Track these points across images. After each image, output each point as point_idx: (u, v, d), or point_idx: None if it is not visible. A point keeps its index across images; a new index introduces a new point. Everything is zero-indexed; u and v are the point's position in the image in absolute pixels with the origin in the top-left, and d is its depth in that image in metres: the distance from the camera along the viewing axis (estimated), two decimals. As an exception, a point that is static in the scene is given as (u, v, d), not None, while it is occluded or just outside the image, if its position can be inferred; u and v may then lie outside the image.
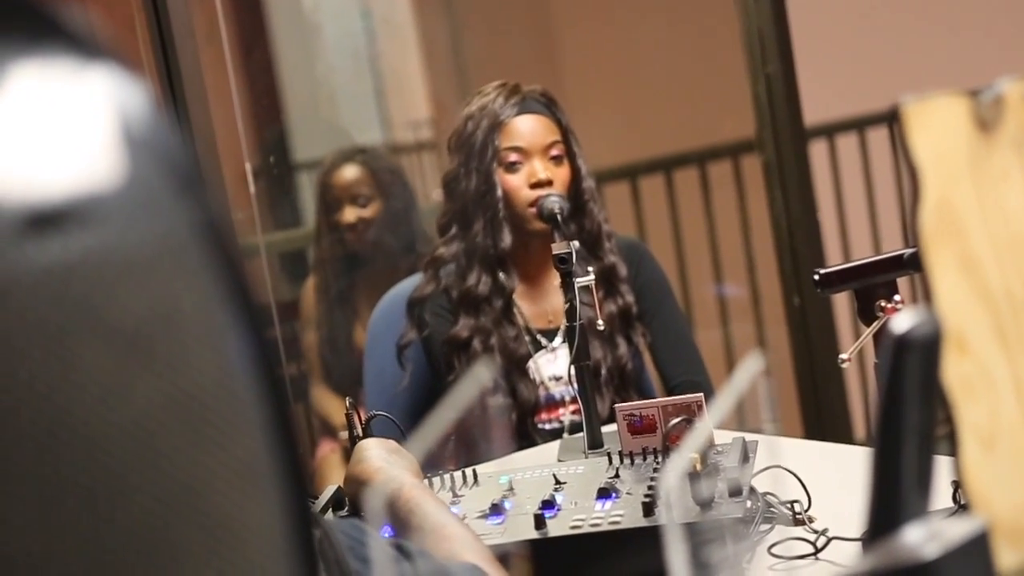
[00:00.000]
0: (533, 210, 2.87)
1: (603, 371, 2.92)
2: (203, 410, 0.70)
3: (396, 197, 4.30)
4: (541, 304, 3.04)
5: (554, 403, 2.98)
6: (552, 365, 2.99)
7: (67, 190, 0.66)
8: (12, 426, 0.64)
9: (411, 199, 4.40)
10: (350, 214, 4.20)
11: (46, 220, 0.65)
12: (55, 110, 0.68)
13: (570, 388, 2.96)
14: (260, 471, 0.73)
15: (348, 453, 2.31)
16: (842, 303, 4.51)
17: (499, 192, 2.91)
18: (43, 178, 0.67)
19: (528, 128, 2.94)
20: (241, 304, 0.73)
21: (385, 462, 1.94)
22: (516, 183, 2.91)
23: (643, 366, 3.14)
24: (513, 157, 2.92)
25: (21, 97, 0.68)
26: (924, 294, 1.00)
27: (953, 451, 1.02)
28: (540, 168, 2.91)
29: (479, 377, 1.05)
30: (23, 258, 0.65)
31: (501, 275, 2.94)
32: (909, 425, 0.94)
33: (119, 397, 0.67)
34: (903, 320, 0.92)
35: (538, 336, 3.00)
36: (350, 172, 4.24)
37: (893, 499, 0.96)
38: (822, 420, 4.24)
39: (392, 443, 2.03)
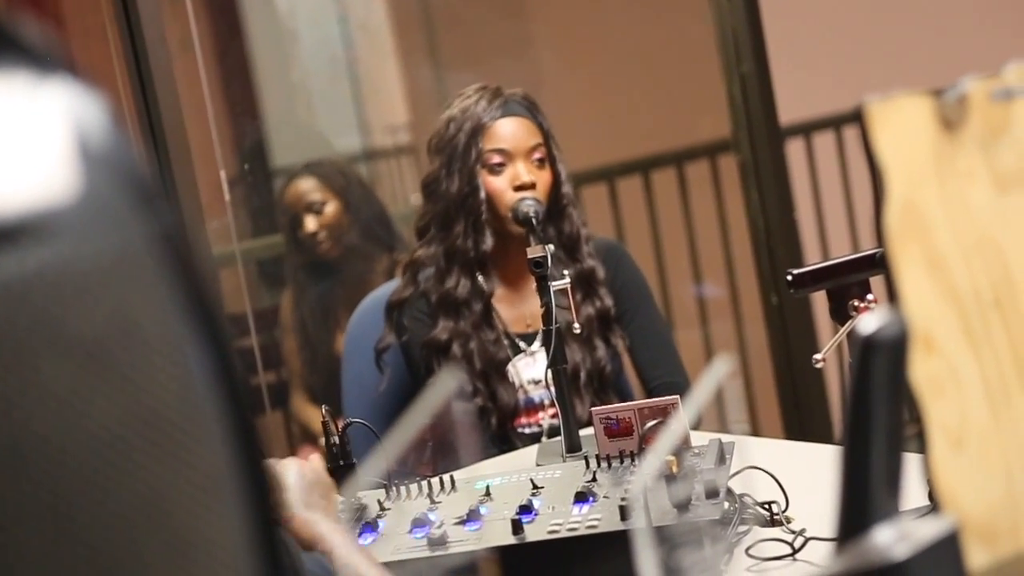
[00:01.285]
0: (515, 213, 2.87)
1: (582, 374, 2.91)
2: (164, 423, 0.70)
3: (354, 199, 4.31)
4: (519, 308, 3.03)
5: (533, 407, 2.98)
6: (531, 369, 2.99)
7: (22, 205, 0.66)
8: (-31, 443, 0.64)
9: (373, 200, 4.42)
10: (310, 223, 4.24)
11: (1, 235, 0.65)
12: (10, 124, 0.68)
13: (549, 392, 2.96)
14: (223, 484, 0.73)
15: (326, 461, 2.30)
16: (820, 302, 4.52)
17: (482, 194, 2.90)
18: (-2, 193, 0.66)
19: (512, 131, 2.93)
20: (202, 316, 0.73)
21: (301, 503, 1.83)
22: (500, 185, 2.90)
23: (622, 368, 3.14)
24: (497, 159, 2.91)
25: (-25, 112, 0.68)
26: (896, 294, 1.00)
27: (923, 450, 1.02)
28: (524, 171, 2.90)
29: (449, 382, 1.05)
30: (-22, 274, 0.64)
31: (480, 278, 2.94)
32: (877, 425, 0.94)
33: (79, 411, 0.67)
34: (870, 320, 0.92)
35: (516, 340, 3.00)
36: (300, 184, 4.30)
37: (862, 499, 0.96)
38: (801, 419, 4.25)
39: (313, 469, 1.91)
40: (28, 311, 0.65)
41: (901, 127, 0.97)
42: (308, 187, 4.28)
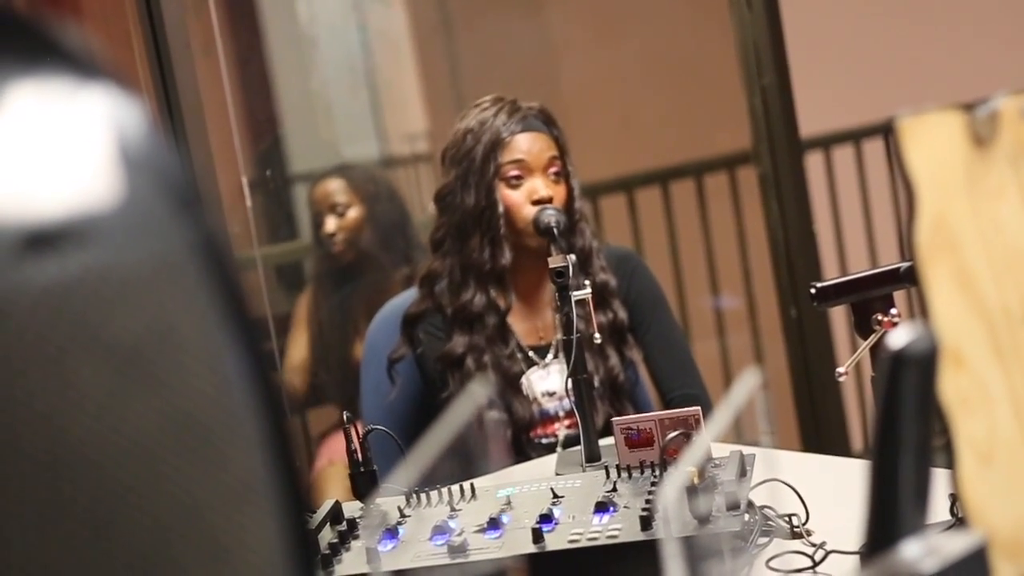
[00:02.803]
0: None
1: (595, 383, 2.91)
2: (200, 428, 0.70)
3: (380, 206, 4.33)
4: (532, 321, 3.03)
5: (548, 418, 2.98)
6: (544, 381, 2.98)
7: (64, 210, 0.66)
8: (11, 446, 0.65)
9: (401, 209, 4.43)
10: (330, 224, 4.26)
11: (44, 240, 0.66)
12: (52, 130, 0.68)
13: (563, 403, 2.95)
14: (258, 489, 0.73)
15: (347, 467, 2.31)
16: (839, 315, 4.52)
17: (500, 208, 2.90)
18: (40, 199, 0.67)
19: (530, 145, 2.93)
20: (238, 322, 0.73)
21: None
22: (517, 199, 2.90)
23: (638, 378, 3.13)
24: (515, 172, 2.91)
25: (18, 117, 0.68)
26: (921, 307, 1.00)
27: (951, 465, 1.02)
28: (541, 185, 2.90)
29: (476, 395, 1.05)
30: (21, 279, 0.65)
31: (496, 292, 2.93)
32: (906, 440, 0.94)
33: (117, 416, 0.67)
34: (900, 335, 0.93)
35: (530, 353, 3.00)
36: (328, 184, 4.34)
37: (891, 513, 0.96)
38: (819, 432, 4.24)
39: None
40: (68, 316, 0.66)
41: (933, 143, 0.97)
42: (335, 188, 4.31)
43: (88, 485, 0.66)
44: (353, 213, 4.28)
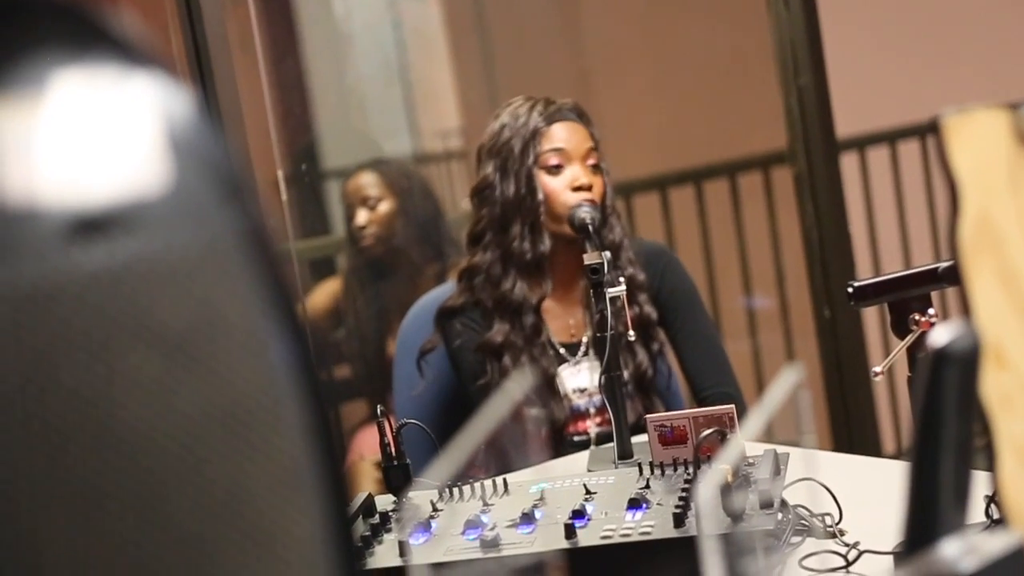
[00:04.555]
0: (571, 216, 2.87)
1: (624, 380, 2.91)
2: (245, 415, 0.70)
3: (412, 200, 4.34)
4: (564, 318, 3.03)
5: (579, 415, 2.98)
6: (575, 378, 2.98)
7: (113, 197, 0.67)
8: (58, 431, 0.65)
9: (433, 204, 4.44)
10: (361, 216, 4.27)
11: (92, 226, 0.66)
12: (101, 117, 0.69)
13: (593, 400, 2.95)
14: (302, 478, 0.73)
15: (379, 461, 2.31)
16: (872, 316, 4.50)
17: (540, 195, 2.90)
18: (89, 185, 0.67)
19: (569, 134, 2.94)
20: (282, 310, 0.73)
21: None
22: (558, 186, 2.90)
23: (671, 374, 3.13)
24: (555, 160, 2.91)
25: (68, 104, 0.68)
26: (956, 308, 1.00)
27: (990, 465, 1.02)
28: (581, 173, 2.90)
29: (514, 389, 1.05)
30: (69, 264, 0.65)
31: (535, 281, 2.93)
32: (947, 439, 0.94)
33: (163, 403, 0.67)
34: (942, 333, 0.92)
35: (561, 350, 3.00)
36: (361, 177, 4.34)
37: (930, 512, 0.96)
38: (851, 433, 4.23)
39: None
40: (117, 302, 0.66)
41: (977, 141, 0.96)
42: (368, 181, 4.31)
43: (133, 470, 0.67)
44: (384, 207, 4.28)
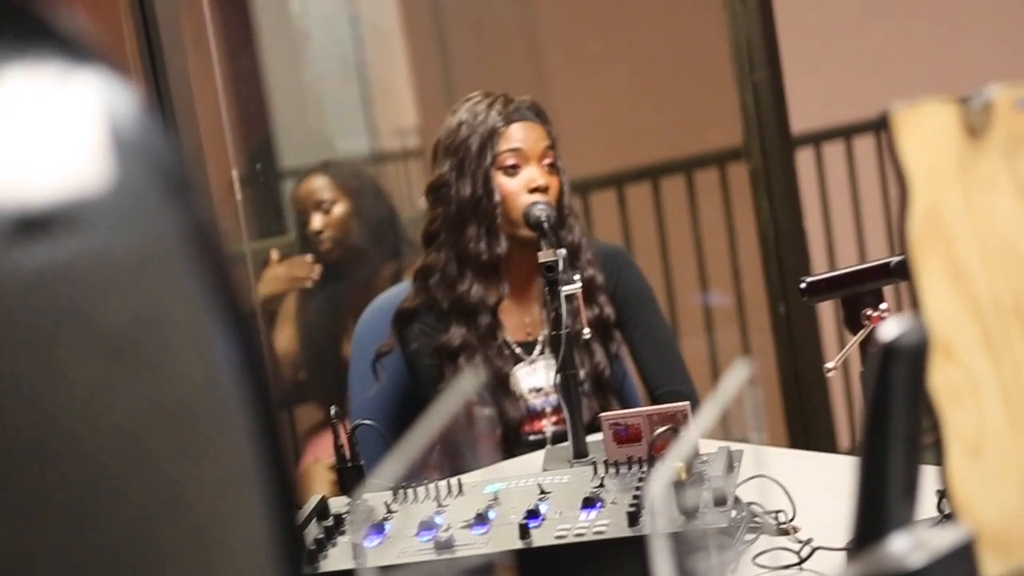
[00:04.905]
0: (528, 215, 2.86)
1: (581, 379, 2.91)
2: (190, 416, 0.70)
3: (366, 201, 4.32)
4: (520, 316, 3.03)
5: (535, 415, 2.97)
6: (531, 378, 2.98)
7: (56, 195, 0.66)
8: (-2, 431, 0.64)
9: (387, 203, 4.43)
10: (316, 221, 4.25)
11: (35, 225, 0.65)
12: (44, 114, 0.68)
13: (550, 400, 2.95)
14: (247, 478, 0.73)
15: (333, 463, 2.30)
16: (827, 311, 4.52)
17: (497, 197, 2.89)
18: (32, 182, 0.66)
19: (526, 134, 2.93)
20: (228, 309, 0.73)
21: None
22: (514, 187, 2.89)
23: (626, 374, 3.13)
24: (512, 160, 2.90)
25: (10, 100, 0.68)
26: (910, 303, 1.00)
27: (939, 459, 1.02)
28: (538, 174, 2.90)
29: (464, 388, 1.05)
30: (11, 263, 0.64)
31: (490, 283, 2.93)
32: (896, 433, 0.94)
33: (106, 402, 0.67)
34: (890, 328, 0.92)
35: (516, 349, 2.99)
36: (313, 181, 4.32)
37: (879, 507, 0.96)
38: (806, 429, 4.25)
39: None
40: (58, 302, 0.66)
41: (926, 134, 0.97)
42: (320, 185, 4.30)
43: (74, 471, 0.66)
44: (339, 209, 4.27)
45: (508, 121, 2.92)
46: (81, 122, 0.68)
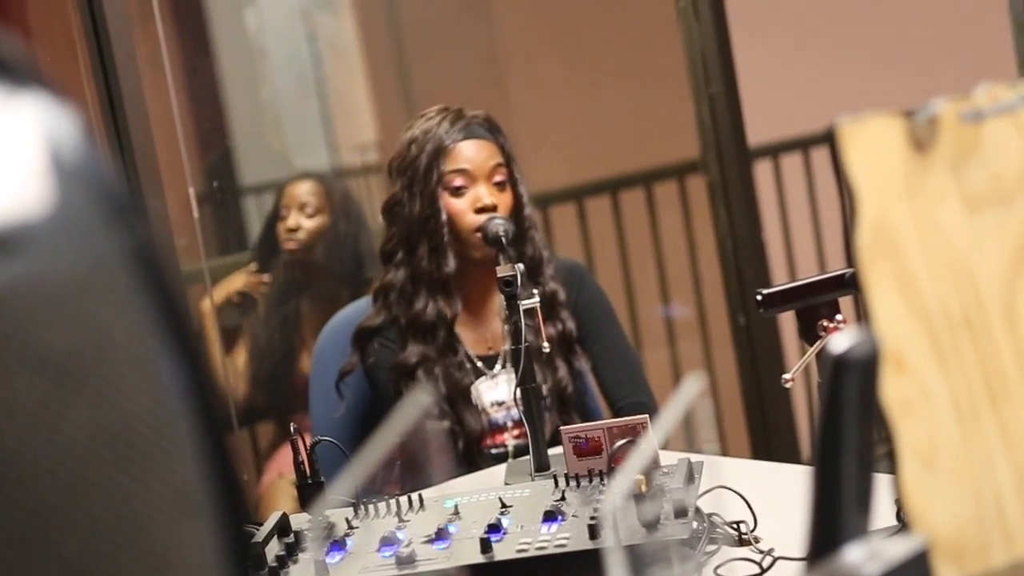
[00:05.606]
0: (478, 235, 2.85)
1: (544, 393, 2.91)
2: (137, 438, 0.69)
3: (345, 219, 4.33)
4: (480, 331, 3.03)
5: (497, 429, 2.97)
6: (492, 392, 2.98)
7: (-5, 218, 0.66)
8: (-61, 458, 0.64)
9: (360, 225, 4.43)
10: (293, 219, 4.25)
11: (-26, 249, 0.65)
12: (-18, 138, 0.67)
13: (511, 413, 2.95)
14: (196, 502, 0.72)
15: (295, 479, 2.29)
16: (788, 322, 4.54)
17: (443, 216, 2.89)
18: (-29, 207, 0.66)
19: (473, 152, 2.92)
20: (175, 332, 0.72)
21: None
22: (461, 207, 2.90)
23: (587, 388, 3.13)
24: (458, 181, 2.90)
25: (-53, 125, 0.67)
26: (866, 313, 1.00)
27: (893, 469, 1.02)
28: (485, 193, 2.90)
29: (418, 403, 1.05)
30: (-49, 288, 0.64)
31: (443, 301, 2.93)
32: (848, 444, 0.94)
33: (50, 426, 0.66)
34: (841, 340, 0.93)
35: (478, 363, 2.99)
36: (304, 184, 4.33)
37: (833, 518, 0.96)
38: (769, 439, 4.26)
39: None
40: (1, 324, 0.65)
41: (873, 147, 0.97)
42: (309, 190, 4.31)
43: (20, 496, 0.65)
44: (318, 220, 4.28)
45: (456, 140, 2.92)
46: (20, 146, 0.68)
